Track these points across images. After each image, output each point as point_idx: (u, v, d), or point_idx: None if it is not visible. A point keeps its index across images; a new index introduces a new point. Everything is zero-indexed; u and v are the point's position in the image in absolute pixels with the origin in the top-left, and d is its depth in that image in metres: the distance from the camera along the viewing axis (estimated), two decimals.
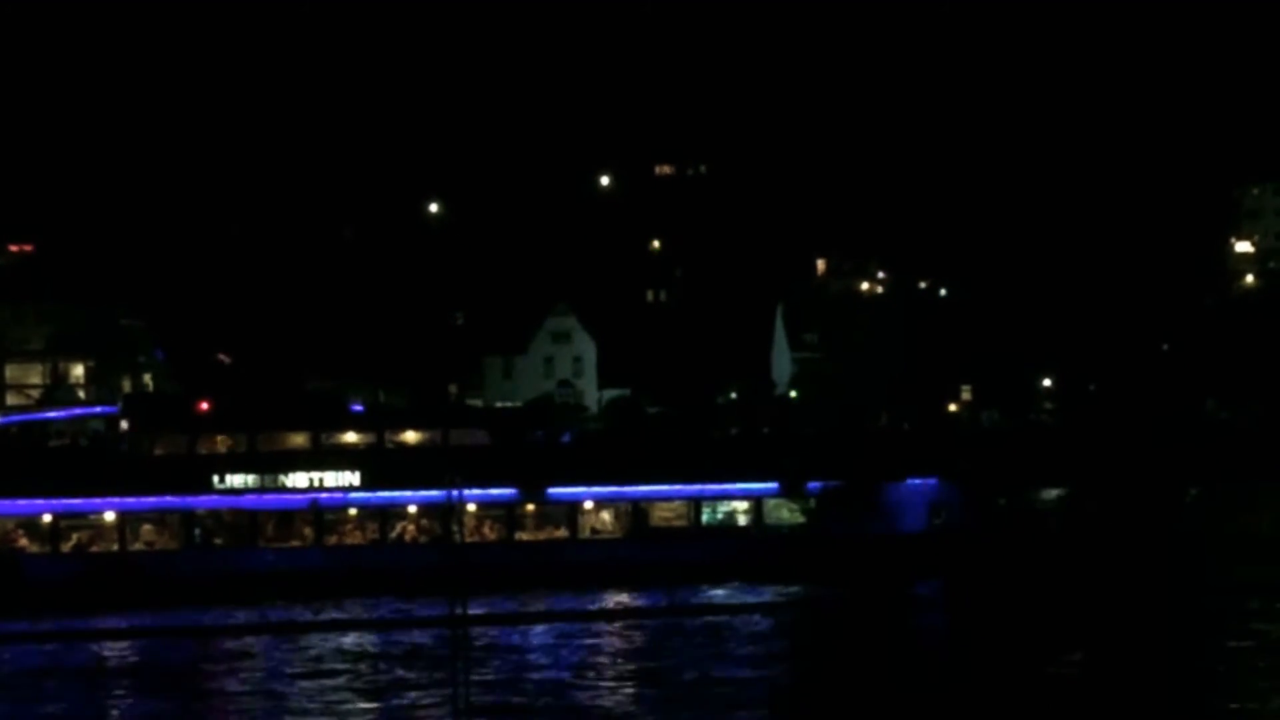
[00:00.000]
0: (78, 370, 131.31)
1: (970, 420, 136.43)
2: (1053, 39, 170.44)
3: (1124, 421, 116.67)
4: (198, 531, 78.00)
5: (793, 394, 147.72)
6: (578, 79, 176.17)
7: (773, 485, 79.17)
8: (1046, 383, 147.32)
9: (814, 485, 78.54)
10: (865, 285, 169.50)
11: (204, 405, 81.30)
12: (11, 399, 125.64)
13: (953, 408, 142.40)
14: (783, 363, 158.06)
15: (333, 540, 78.18)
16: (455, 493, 73.14)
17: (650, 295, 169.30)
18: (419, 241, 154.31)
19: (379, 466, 78.65)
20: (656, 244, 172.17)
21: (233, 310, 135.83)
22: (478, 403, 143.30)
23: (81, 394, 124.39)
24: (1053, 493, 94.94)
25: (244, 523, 77.85)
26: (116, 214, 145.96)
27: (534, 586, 72.16)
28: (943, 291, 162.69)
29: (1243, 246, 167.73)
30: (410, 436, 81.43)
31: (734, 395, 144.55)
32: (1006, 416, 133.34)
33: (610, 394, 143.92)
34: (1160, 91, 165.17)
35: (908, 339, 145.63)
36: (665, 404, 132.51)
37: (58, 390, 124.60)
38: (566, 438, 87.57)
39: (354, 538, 78.79)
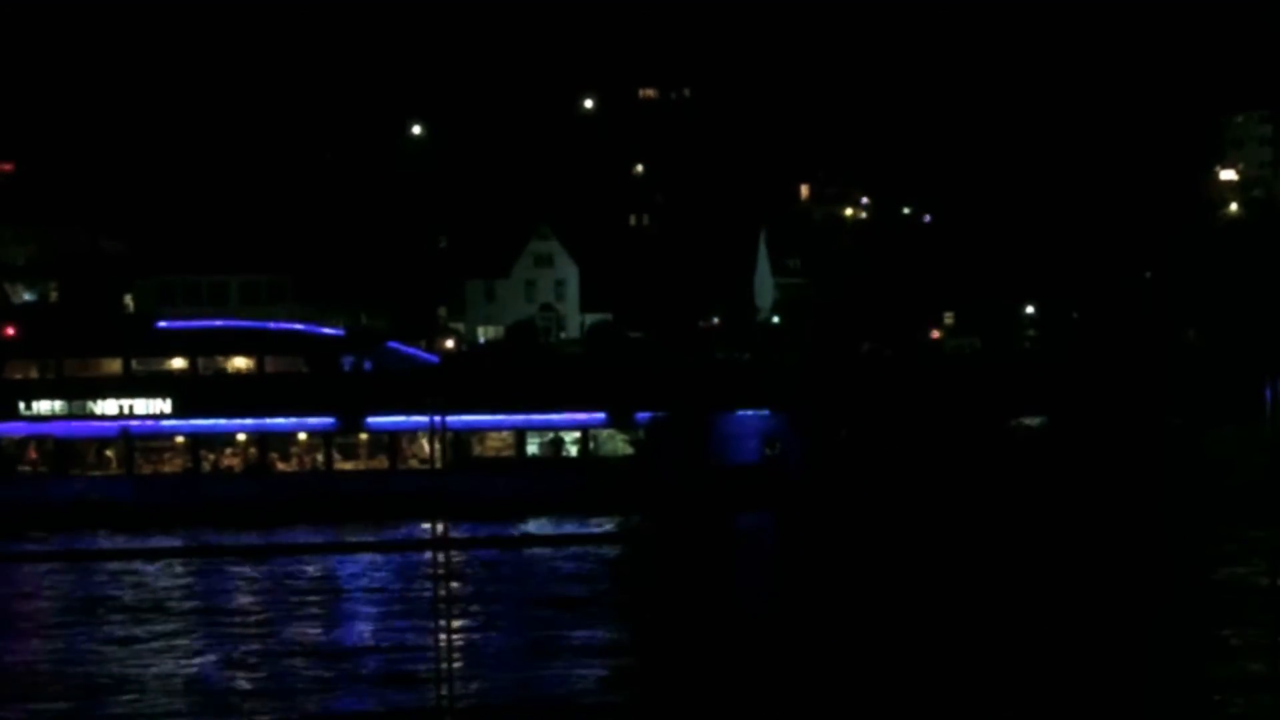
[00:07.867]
0: None
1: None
2: None
3: (1104, 349, 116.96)
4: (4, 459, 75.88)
5: (775, 319, 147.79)
6: (561, 0, 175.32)
7: (600, 415, 77.07)
8: (1029, 310, 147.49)
9: (643, 415, 75.29)
10: (849, 211, 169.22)
11: (9, 331, 79.22)
12: None
13: (935, 334, 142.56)
14: (765, 288, 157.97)
15: (146, 470, 76.05)
16: (437, 419, 72.40)
17: (633, 219, 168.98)
18: (401, 164, 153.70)
19: (191, 394, 76.34)
20: (640, 168, 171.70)
21: (211, 232, 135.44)
22: (459, 326, 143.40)
23: None
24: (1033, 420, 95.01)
25: (52, 451, 75.97)
26: (98, 134, 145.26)
27: (351, 519, 70.17)
28: (926, 218, 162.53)
29: (1227, 175, 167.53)
30: (240, 363, 78.90)
31: (716, 320, 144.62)
32: (988, 343, 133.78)
33: (592, 318, 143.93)
34: (1145, 18, 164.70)
35: (891, 265, 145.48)
36: (647, 328, 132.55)
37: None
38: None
39: (169, 467, 76.72)
